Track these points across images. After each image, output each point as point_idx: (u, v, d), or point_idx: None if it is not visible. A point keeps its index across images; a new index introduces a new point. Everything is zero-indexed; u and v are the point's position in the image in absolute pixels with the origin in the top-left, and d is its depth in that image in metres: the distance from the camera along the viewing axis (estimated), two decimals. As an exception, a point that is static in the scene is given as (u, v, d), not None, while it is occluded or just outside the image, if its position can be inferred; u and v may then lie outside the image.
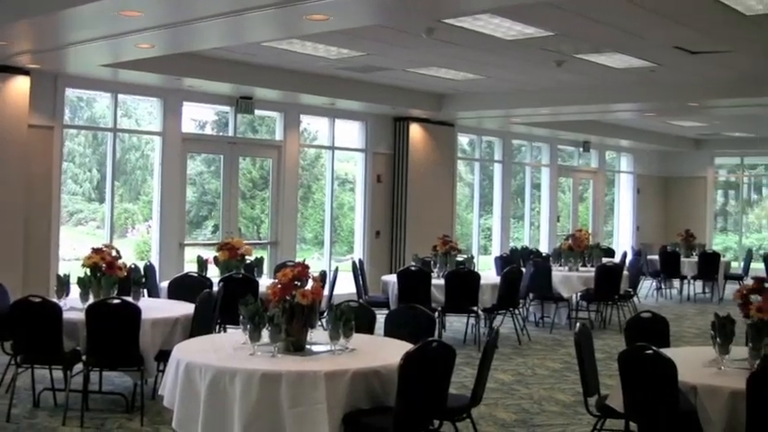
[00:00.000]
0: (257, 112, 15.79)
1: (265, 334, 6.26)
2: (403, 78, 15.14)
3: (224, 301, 9.31)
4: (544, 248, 20.86)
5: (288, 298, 6.31)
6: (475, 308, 12.41)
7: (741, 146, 25.98)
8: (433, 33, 10.81)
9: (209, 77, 13.45)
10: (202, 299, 8.63)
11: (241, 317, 6.26)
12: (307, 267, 6.55)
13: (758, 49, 12.00)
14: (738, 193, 27.95)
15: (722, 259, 19.46)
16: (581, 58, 12.77)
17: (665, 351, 6.03)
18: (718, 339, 6.17)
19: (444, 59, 13.28)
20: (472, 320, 12.94)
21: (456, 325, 13.91)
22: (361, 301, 9.96)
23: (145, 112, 16.45)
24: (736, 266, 22.05)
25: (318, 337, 6.58)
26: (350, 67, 13.90)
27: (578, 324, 7.05)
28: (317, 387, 5.65)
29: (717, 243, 26.80)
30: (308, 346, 6.40)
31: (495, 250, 20.41)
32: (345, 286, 14.14)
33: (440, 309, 12.23)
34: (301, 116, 16.66)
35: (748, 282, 6.69)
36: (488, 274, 14.94)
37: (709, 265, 18.96)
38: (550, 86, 15.67)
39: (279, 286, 6.35)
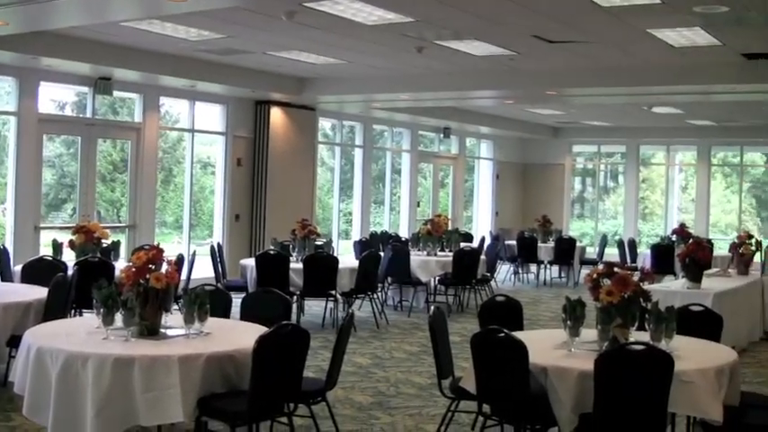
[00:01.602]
0: (116, 93, 15.47)
1: (119, 318, 6.19)
2: (264, 62, 15.07)
3: (79, 285, 9.13)
4: (404, 233, 20.99)
5: (142, 282, 6.24)
6: (333, 292, 12.45)
7: (598, 134, 26.59)
8: (294, 17, 10.79)
9: (67, 57, 13.15)
10: (56, 283, 8.47)
11: (94, 301, 6.18)
12: (161, 251, 6.48)
13: (613, 40, 12.27)
14: (595, 181, 28.56)
15: (578, 245, 19.95)
16: (441, 45, 12.90)
17: (518, 334, 6.13)
18: (568, 322, 6.28)
19: (305, 43, 13.26)
20: (331, 304, 12.99)
21: (315, 309, 13.94)
22: (218, 285, 9.89)
23: (2, 92, 15.99)
24: (592, 252, 22.55)
25: (173, 321, 6.52)
26: (211, 49, 13.78)
27: (432, 308, 7.13)
28: (171, 371, 5.61)
29: (574, 229, 27.38)
30: (162, 330, 6.32)
31: (356, 235, 20.48)
32: (204, 270, 14.06)
33: (298, 293, 12.28)
34: (161, 98, 16.45)
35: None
36: (347, 258, 15.00)
37: (566, 251, 19.36)
38: (411, 72, 15.77)
39: (133, 270, 6.27)
